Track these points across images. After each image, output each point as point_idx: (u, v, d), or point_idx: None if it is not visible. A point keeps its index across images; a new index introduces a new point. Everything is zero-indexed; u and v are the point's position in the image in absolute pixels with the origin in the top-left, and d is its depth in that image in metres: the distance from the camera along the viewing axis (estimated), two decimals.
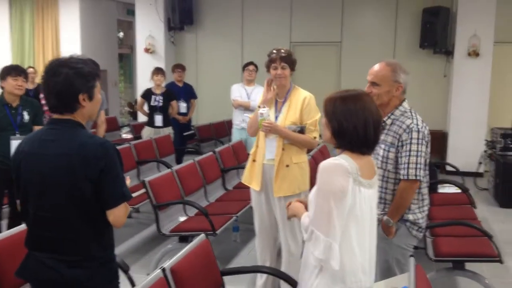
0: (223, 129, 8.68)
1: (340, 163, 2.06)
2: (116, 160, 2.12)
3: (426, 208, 2.92)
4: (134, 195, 4.90)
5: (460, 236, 4.04)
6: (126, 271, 3.11)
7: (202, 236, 2.87)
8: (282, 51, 3.60)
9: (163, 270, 2.40)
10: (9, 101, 4.42)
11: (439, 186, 5.91)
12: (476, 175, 7.85)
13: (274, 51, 3.61)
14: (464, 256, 3.74)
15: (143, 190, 4.34)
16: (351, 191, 2.05)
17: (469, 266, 3.91)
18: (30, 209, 2.14)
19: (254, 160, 3.74)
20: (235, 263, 4.76)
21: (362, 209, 2.09)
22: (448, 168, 7.44)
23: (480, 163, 7.92)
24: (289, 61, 3.58)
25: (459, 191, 5.56)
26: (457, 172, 6.95)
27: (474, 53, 8.29)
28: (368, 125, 2.10)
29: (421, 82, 9.13)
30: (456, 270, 3.81)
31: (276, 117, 3.64)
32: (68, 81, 2.06)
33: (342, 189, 2.03)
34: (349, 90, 2.19)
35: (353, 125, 2.08)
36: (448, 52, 8.75)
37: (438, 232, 4.19)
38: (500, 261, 3.66)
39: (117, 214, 2.12)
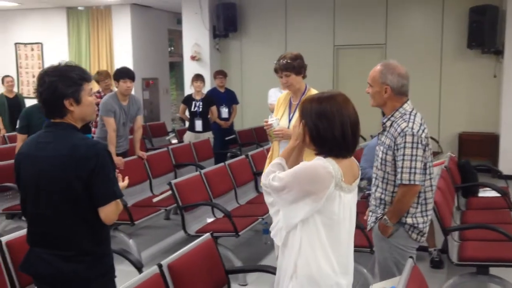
0: (265, 133, 8.74)
1: (326, 165, 2.06)
2: (107, 160, 2.24)
3: (429, 212, 2.86)
4: (161, 197, 5.12)
5: (489, 240, 3.91)
6: (139, 269, 3.25)
7: (207, 235, 2.95)
8: (283, 60, 3.62)
9: (160, 266, 2.50)
10: None
11: (480, 189, 5.71)
12: None
13: (275, 62, 3.65)
14: (487, 261, 3.62)
15: (169, 192, 4.49)
16: (329, 196, 2.04)
17: (502, 272, 3.77)
18: (28, 207, 2.31)
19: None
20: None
21: (340, 214, 2.09)
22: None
23: None
24: (290, 67, 3.60)
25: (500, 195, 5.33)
26: (507, 176, 6.67)
27: None
28: (346, 128, 2.08)
29: (470, 84, 8.85)
30: (480, 275, 3.68)
31: (290, 119, 3.69)
32: (52, 88, 2.20)
33: (316, 193, 2.03)
34: (325, 92, 2.19)
35: (331, 131, 2.06)
36: (497, 51, 8.40)
37: (467, 236, 4.07)
38: None
39: (107, 212, 2.24)
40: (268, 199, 2.19)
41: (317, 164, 2.08)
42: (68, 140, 2.23)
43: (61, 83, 2.20)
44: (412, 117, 2.78)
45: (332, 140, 2.07)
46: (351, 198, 2.15)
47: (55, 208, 2.23)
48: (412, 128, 2.72)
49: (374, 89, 2.83)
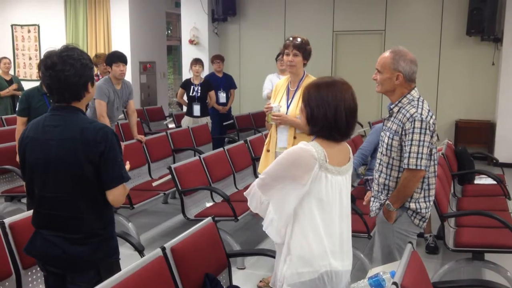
0: (263, 118, 8.75)
1: (308, 148, 2.13)
2: (115, 144, 2.28)
3: (432, 198, 2.90)
4: (160, 181, 5.14)
5: (484, 227, 3.96)
6: (140, 252, 3.28)
7: (208, 219, 2.98)
8: (298, 39, 3.66)
9: (163, 249, 2.53)
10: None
11: (476, 177, 5.76)
12: None
13: (290, 38, 3.68)
14: (483, 247, 3.67)
15: (169, 177, 4.51)
16: (315, 177, 2.11)
17: (497, 258, 3.83)
18: (36, 190, 2.33)
19: (268, 150, 3.83)
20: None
21: (328, 194, 2.16)
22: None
23: None
24: (302, 49, 3.64)
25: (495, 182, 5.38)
26: (502, 164, 6.73)
27: None
28: (339, 112, 2.15)
29: (468, 71, 8.88)
30: (475, 261, 3.74)
31: (288, 106, 3.71)
32: (80, 71, 2.24)
33: (302, 176, 2.11)
34: (326, 77, 2.26)
35: (323, 113, 2.15)
36: (496, 39, 8.43)
37: (463, 223, 4.12)
38: None
39: (116, 194, 2.29)
40: (252, 203, 2.26)
41: (298, 148, 2.16)
42: (77, 123, 2.26)
43: (87, 66, 2.26)
44: (420, 103, 2.81)
45: (323, 121, 2.15)
46: (341, 181, 2.21)
47: (64, 190, 2.26)
48: (421, 114, 2.75)
49: (384, 75, 2.84)
